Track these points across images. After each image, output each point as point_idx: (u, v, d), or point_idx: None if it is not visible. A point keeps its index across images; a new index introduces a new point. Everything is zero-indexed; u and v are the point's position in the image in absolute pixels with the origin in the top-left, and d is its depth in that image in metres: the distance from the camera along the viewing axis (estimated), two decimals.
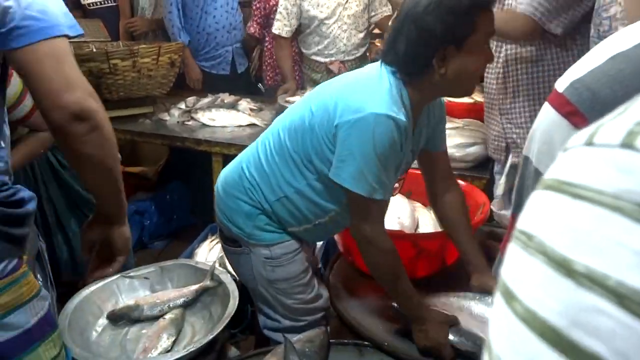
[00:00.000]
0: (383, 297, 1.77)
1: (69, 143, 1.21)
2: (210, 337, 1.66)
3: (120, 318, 1.88)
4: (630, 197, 0.28)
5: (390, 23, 2.29)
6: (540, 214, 0.33)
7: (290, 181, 1.58)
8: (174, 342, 1.77)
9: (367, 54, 3.49)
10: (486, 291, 1.64)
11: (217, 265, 2.05)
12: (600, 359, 0.26)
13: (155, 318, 1.86)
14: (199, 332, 1.84)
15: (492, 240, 2.02)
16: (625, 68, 0.60)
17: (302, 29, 3.35)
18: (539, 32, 1.93)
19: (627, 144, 0.30)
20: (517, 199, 0.74)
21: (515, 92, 2.10)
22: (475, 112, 2.60)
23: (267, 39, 3.75)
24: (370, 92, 1.43)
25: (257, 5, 3.68)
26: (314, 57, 3.39)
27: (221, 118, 3.16)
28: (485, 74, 2.24)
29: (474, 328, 1.56)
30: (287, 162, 1.58)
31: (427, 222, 1.94)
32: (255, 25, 3.73)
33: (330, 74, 3.21)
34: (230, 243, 1.73)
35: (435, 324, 1.52)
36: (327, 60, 3.33)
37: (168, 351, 1.71)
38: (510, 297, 0.32)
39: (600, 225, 0.28)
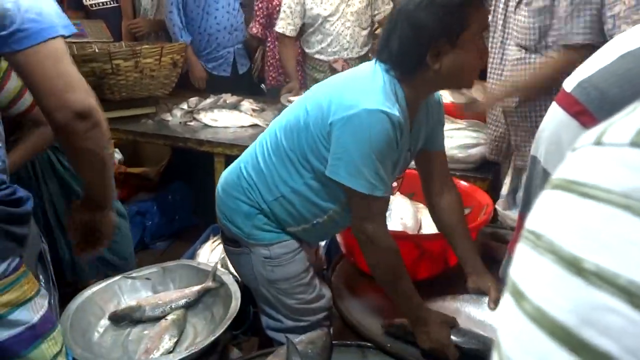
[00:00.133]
0: (385, 298, 1.76)
1: (71, 140, 1.27)
2: (212, 338, 1.66)
3: (122, 319, 1.87)
4: None
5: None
6: (549, 214, 0.33)
7: (286, 180, 1.58)
8: (176, 343, 1.77)
9: (369, 54, 3.49)
10: (483, 293, 1.64)
11: (219, 266, 2.05)
12: (611, 357, 0.26)
13: (157, 319, 1.86)
14: (201, 333, 1.84)
15: (494, 241, 2.01)
16: (633, 67, 0.60)
17: (305, 28, 3.35)
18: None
19: (636, 143, 0.29)
20: (525, 199, 0.74)
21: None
22: (476, 114, 2.59)
23: (269, 39, 3.75)
24: (363, 89, 1.44)
25: (260, 5, 3.67)
26: (317, 56, 3.39)
27: (223, 118, 3.16)
28: (488, 76, 2.24)
29: (473, 328, 1.56)
30: (284, 161, 1.58)
31: (430, 224, 1.93)
32: (257, 26, 3.73)
33: (333, 72, 3.20)
34: (231, 243, 1.73)
35: (436, 324, 1.51)
36: (331, 58, 3.33)
37: (170, 352, 1.71)
38: (519, 297, 0.32)
39: (609, 223, 0.28)
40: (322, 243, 2.56)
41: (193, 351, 1.62)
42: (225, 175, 1.74)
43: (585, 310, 0.27)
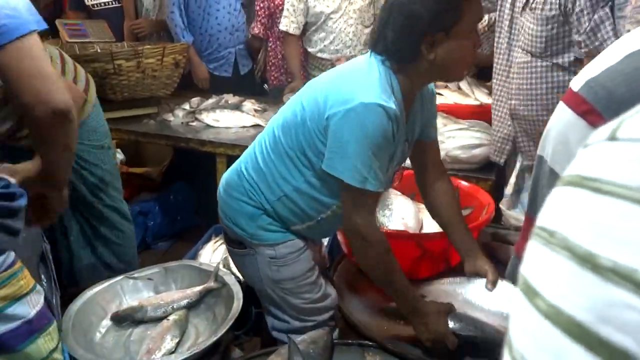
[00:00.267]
0: (387, 298, 1.76)
1: (44, 132, 1.34)
2: (214, 338, 1.66)
3: (124, 319, 1.88)
4: None
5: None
6: (561, 210, 0.32)
7: (287, 179, 1.58)
8: (178, 344, 1.77)
9: None
10: (480, 275, 1.65)
11: (221, 266, 2.05)
12: (629, 353, 0.26)
13: (159, 319, 1.86)
14: (203, 333, 1.84)
15: (496, 241, 2.01)
16: None
17: (308, 27, 3.35)
18: None
19: None
20: (531, 199, 0.74)
21: (529, 99, 2.07)
22: (480, 114, 2.59)
23: (270, 39, 3.75)
24: (359, 82, 1.44)
25: (261, 5, 3.67)
26: (319, 55, 3.38)
27: (225, 119, 3.16)
28: (493, 77, 2.23)
29: (470, 312, 1.56)
30: (283, 159, 1.58)
31: (431, 224, 1.93)
32: (259, 26, 3.73)
33: None
34: (235, 245, 1.73)
35: (434, 314, 1.52)
36: (333, 56, 3.32)
37: (172, 353, 1.71)
38: (532, 294, 0.31)
39: (625, 219, 0.28)
40: (325, 242, 2.56)
41: (195, 351, 1.61)
42: (226, 177, 1.73)
43: (602, 307, 0.27)
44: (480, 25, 2.44)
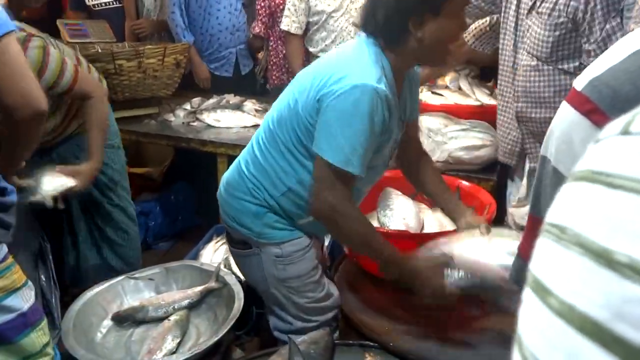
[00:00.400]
0: (388, 298, 1.76)
1: (21, 129, 1.38)
2: (216, 339, 1.65)
3: (125, 319, 1.88)
4: None
5: None
6: (573, 206, 0.32)
7: (289, 172, 1.58)
8: (179, 344, 1.77)
9: None
10: (473, 227, 1.67)
11: (222, 266, 2.05)
12: None
13: (160, 319, 1.86)
14: (204, 333, 1.84)
15: None
16: None
17: (310, 27, 3.34)
18: None
19: None
20: (534, 199, 0.74)
21: (537, 102, 2.06)
22: (481, 115, 2.59)
23: (271, 38, 3.75)
24: (350, 64, 1.46)
25: (262, 4, 3.67)
26: (321, 54, 3.37)
27: (226, 119, 3.16)
28: (499, 80, 2.23)
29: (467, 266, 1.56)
30: (283, 153, 1.57)
31: (432, 224, 1.93)
32: (260, 25, 3.73)
33: None
34: (239, 245, 1.71)
35: (429, 270, 1.52)
36: None
37: (173, 353, 1.71)
38: (544, 292, 0.31)
39: None
40: (326, 242, 2.56)
41: (196, 352, 1.61)
42: (226, 177, 1.72)
43: (618, 303, 0.27)
44: (482, 25, 2.44)
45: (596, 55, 1.87)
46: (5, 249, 1.29)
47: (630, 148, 0.30)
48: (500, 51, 2.21)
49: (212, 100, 3.40)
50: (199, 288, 1.95)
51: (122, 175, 2.46)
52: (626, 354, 0.26)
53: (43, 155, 2.29)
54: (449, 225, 1.92)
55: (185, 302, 1.90)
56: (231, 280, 1.93)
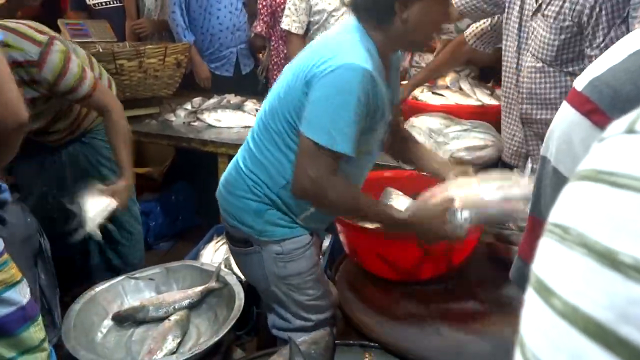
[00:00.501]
0: (389, 298, 1.76)
1: (6, 142, 1.37)
2: (216, 339, 1.65)
3: (126, 319, 1.88)
4: None
5: None
6: (577, 206, 0.31)
7: (285, 164, 1.57)
8: (180, 344, 1.77)
9: None
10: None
11: (222, 266, 2.05)
12: None
13: (161, 319, 1.86)
14: (204, 333, 1.83)
15: (498, 241, 2.01)
16: None
17: (311, 26, 3.34)
18: None
19: None
20: (534, 200, 0.73)
21: (542, 104, 2.06)
22: (482, 115, 2.58)
23: (273, 38, 3.74)
24: (336, 46, 1.47)
25: (264, 3, 3.67)
26: None
27: (227, 119, 3.16)
28: (502, 82, 2.22)
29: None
30: (278, 145, 1.57)
31: None
32: (261, 24, 3.72)
33: None
34: (240, 244, 1.71)
35: (429, 218, 1.54)
36: None
37: (173, 353, 1.71)
38: (547, 293, 0.30)
39: None
40: (326, 243, 2.56)
41: (196, 352, 1.61)
42: (225, 176, 1.72)
43: (622, 305, 0.26)
44: (482, 25, 2.44)
45: None
46: (2, 243, 1.30)
47: (635, 147, 0.30)
48: (503, 52, 2.21)
49: (213, 100, 3.40)
50: (200, 288, 1.95)
51: None
52: (631, 356, 0.26)
53: (54, 154, 2.31)
54: None
55: (186, 302, 1.90)
56: (232, 280, 1.93)
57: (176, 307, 1.89)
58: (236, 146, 2.78)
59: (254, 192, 1.62)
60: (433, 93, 2.83)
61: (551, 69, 1.98)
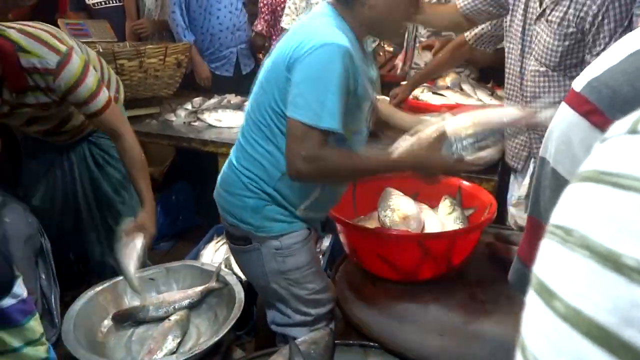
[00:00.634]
0: (389, 298, 1.76)
1: None
2: (216, 339, 1.65)
3: (126, 319, 1.87)
4: None
5: None
6: (579, 207, 0.31)
7: (276, 155, 1.58)
8: (180, 344, 1.77)
9: (378, 54, 3.46)
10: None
11: (222, 266, 2.05)
12: None
13: (161, 319, 1.86)
14: (205, 333, 1.84)
15: (498, 241, 2.01)
16: None
17: None
18: None
19: None
20: (533, 201, 0.73)
21: (546, 107, 2.05)
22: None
23: (273, 37, 3.74)
24: (312, 29, 1.51)
25: (265, 2, 3.67)
26: None
27: (227, 119, 3.16)
28: (505, 86, 2.22)
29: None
30: (268, 137, 1.59)
31: (434, 224, 1.93)
32: (262, 23, 3.72)
33: None
34: (240, 242, 1.72)
35: (427, 157, 1.58)
36: None
37: (173, 353, 1.71)
38: (548, 296, 0.30)
39: None
40: (326, 243, 2.56)
41: (196, 352, 1.61)
42: (221, 176, 1.74)
43: (626, 308, 0.26)
44: (483, 25, 2.43)
45: None
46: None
47: (638, 147, 0.29)
48: (506, 55, 2.20)
49: (213, 100, 3.40)
50: (200, 288, 1.95)
51: None
52: None
53: (62, 154, 2.31)
54: (449, 226, 1.92)
55: (186, 302, 1.90)
56: (232, 280, 1.93)
57: (176, 307, 1.89)
58: None
59: (250, 189, 1.63)
60: (434, 93, 2.83)
61: (555, 74, 1.98)
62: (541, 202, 0.71)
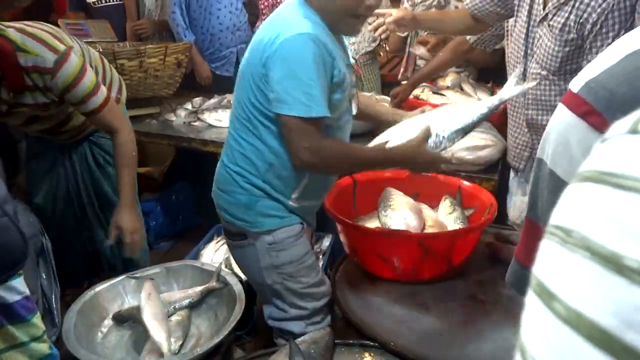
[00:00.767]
0: (389, 298, 1.76)
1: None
2: (217, 340, 1.65)
3: (126, 319, 1.87)
4: None
5: None
6: (579, 208, 0.30)
7: (261, 148, 1.63)
8: (181, 346, 1.77)
9: (379, 54, 3.45)
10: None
11: (223, 266, 2.05)
12: None
13: None
14: (205, 334, 1.83)
15: (498, 240, 2.01)
16: None
17: None
18: None
19: None
20: (531, 202, 0.73)
21: (548, 110, 2.04)
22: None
23: None
24: (281, 23, 1.55)
25: (265, 3, 3.66)
26: None
27: (227, 119, 3.10)
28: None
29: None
30: (251, 131, 1.63)
31: (434, 224, 1.93)
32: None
33: None
34: (236, 238, 1.76)
35: (415, 154, 1.65)
36: None
37: (175, 354, 1.71)
38: (549, 297, 0.29)
39: None
40: (327, 243, 2.56)
41: (197, 353, 1.61)
42: (216, 176, 1.79)
43: (628, 311, 0.25)
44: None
45: None
46: None
47: (639, 147, 0.29)
48: (507, 56, 2.20)
49: (213, 100, 3.40)
50: (200, 288, 1.95)
51: None
52: None
53: (64, 153, 2.32)
54: (449, 226, 1.92)
55: (186, 302, 1.90)
56: (232, 280, 1.93)
57: (176, 306, 1.89)
58: None
59: (241, 185, 1.68)
60: (434, 93, 2.83)
61: (555, 78, 1.98)
62: (539, 204, 0.70)
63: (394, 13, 2.26)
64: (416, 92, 2.82)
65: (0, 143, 2.61)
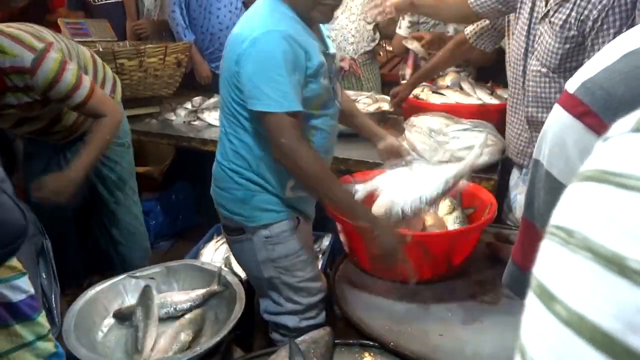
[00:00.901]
0: (389, 298, 1.76)
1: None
2: (217, 339, 1.65)
3: (126, 318, 1.87)
4: None
5: None
6: (581, 208, 0.30)
7: (249, 142, 1.67)
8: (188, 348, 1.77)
9: (379, 53, 3.45)
10: (393, 150, 1.92)
11: (223, 266, 2.05)
12: None
13: (161, 319, 1.86)
14: (205, 333, 1.83)
15: (498, 240, 2.01)
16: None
17: None
18: None
19: None
20: (528, 203, 0.73)
21: (547, 108, 2.04)
22: (483, 114, 2.58)
23: None
24: (250, 22, 1.58)
25: None
26: None
27: None
28: (509, 86, 2.22)
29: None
30: (237, 126, 1.67)
31: (434, 224, 1.93)
32: None
33: (340, 70, 3.17)
34: (235, 233, 1.80)
35: (385, 227, 1.64)
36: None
37: (176, 353, 1.71)
38: (549, 299, 0.29)
39: None
40: (327, 243, 2.56)
41: (198, 352, 1.62)
42: (213, 174, 1.83)
43: (631, 313, 0.25)
44: (483, 23, 2.43)
45: None
46: None
47: None
48: (507, 54, 2.20)
49: (213, 100, 3.39)
50: (202, 291, 1.94)
51: (131, 175, 2.48)
52: None
53: (59, 153, 2.32)
54: (449, 226, 1.92)
55: (187, 305, 1.90)
56: (233, 280, 1.93)
57: (177, 308, 1.89)
58: None
59: (236, 181, 1.72)
60: (434, 92, 2.83)
61: (555, 75, 1.98)
62: (535, 204, 0.70)
63: None
64: (416, 91, 2.82)
65: None
